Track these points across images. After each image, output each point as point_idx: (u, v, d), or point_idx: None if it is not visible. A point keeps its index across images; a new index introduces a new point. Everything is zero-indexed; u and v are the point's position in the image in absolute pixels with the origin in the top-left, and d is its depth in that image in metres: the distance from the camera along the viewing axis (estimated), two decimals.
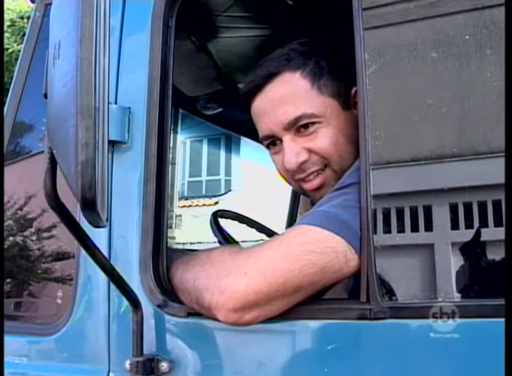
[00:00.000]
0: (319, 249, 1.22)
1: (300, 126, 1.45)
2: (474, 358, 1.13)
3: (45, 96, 1.09)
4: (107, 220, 1.05)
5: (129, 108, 1.45)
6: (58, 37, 1.05)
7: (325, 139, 1.45)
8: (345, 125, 1.45)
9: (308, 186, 1.50)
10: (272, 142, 1.53)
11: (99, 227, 1.02)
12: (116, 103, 1.45)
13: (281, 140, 1.49)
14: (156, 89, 1.43)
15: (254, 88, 1.51)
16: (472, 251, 1.15)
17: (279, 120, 1.46)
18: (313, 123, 1.45)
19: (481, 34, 1.17)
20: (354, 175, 1.30)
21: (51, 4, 1.15)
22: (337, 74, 1.47)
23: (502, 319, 1.04)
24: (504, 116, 1.12)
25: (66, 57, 1.00)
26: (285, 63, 1.48)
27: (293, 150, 1.46)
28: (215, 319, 1.25)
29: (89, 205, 0.95)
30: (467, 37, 1.18)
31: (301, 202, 2.84)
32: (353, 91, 1.44)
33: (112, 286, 1.36)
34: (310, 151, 1.46)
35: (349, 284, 1.44)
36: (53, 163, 1.08)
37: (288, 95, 1.47)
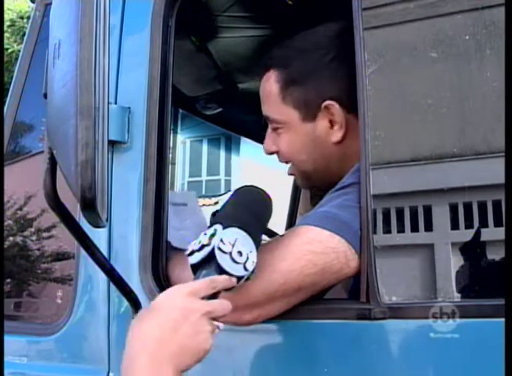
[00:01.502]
0: (319, 249, 1.22)
1: (271, 125, 1.50)
2: (474, 358, 1.13)
3: (45, 96, 1.09)
4: (107, 220, 1.05)
5: (129, 108, 1.45)
6: (58, 37, 1.05)
7: (285, 143, 1.48)
8: (303, 136, 1.45)
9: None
10: None
11: (98, 227, 1.02)
12: (116, 103, 1.45)
13: None
14: (156, 89, 1.43)
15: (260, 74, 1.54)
16: (472, 251, 1.15)
17: (262, 111, 1.53)
18: (277, 127, 1.48)
19: (481, 34, 1.17)
20: (354, 175, 1.30)
21: (51, 4, 1.15)
22: (311, 83, 1.43)
23: (503, 320, 1.04)
24: (504, 116, 1.12)
25: (66, 57, 0.99)
26: (272, 60, 1.50)
27: (269, 140, 1.52)
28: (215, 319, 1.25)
29: (89, 205, 0.95)
30: (467, 37, 1.18)
31: (301, 202, 2.84)
32: (323, 104, 1.40)
33: (112, 286, 1.36)
34: (279, 148, 1.50)
35: (349, 284, 1.44)
36: (53, 163, 1.08)
37: (264, 93, 1.51)
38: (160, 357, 0.92)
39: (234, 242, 1.09)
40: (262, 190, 1.27)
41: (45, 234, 1.69)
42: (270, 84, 1.47)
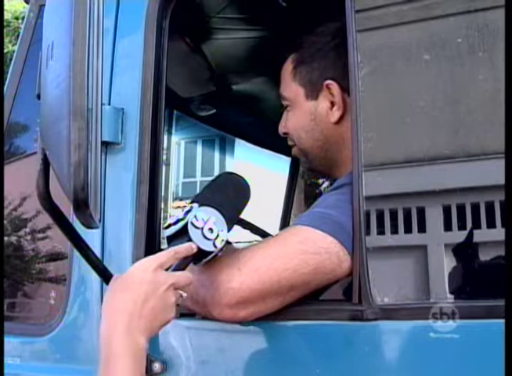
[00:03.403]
0: (312, 249, 1.23)
1: (284, 104, 1.58)
2: (467, 359, 1.13)
3: (38, 97, 1.09)
4: (100, 221, 1.05)
5: (122, 109, 1.45)
6: (51, 39, 1.05)
7: (290, 120, 1.56)
8: (306, 113, 1.52)
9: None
10: None
11: (91, 228, 1.02)
12: (109, 104, 1.45)
13: None
14: (149, 90, 1.43)
15: (276, 57, 1.62)
16: (465, 252, 1.15)
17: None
18: (287, 105, 1.56)
19: (474, 36, 1.18)
20: (349, 176, 1.30)
21: (45, 5, 1.15)
22: (316, 64, 1.51)
23: (496, 321, 1.05)
24: (498, 118, 1.12)
25: (60, 58, 0.99)
26: (294, 45, 1.58)
27: (283, 121, 1.59)
28: (209, 316, 1.26)
29: (82, 206, 0.95)
30: (460, 39, 1.19)
31: (295, 203, 2.84)
32: (325, 83, 1.47)
33: (105, 286, 1.36)
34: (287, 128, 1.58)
35: (345, 285, 1.45)
36: (46, 164, 1.08)
37: (282, 73, 1.59)
38: (135, 327, 1.05)
39: (207, 220, 1.18)
40: (241, 177, 1.36)
41: (39, 235, 1.69)
42: (287, 65, 1.57)
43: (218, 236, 1.18)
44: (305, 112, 1.52)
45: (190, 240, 1.16)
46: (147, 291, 1.07)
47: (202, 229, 1.17)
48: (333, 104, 1.47)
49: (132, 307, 1.06)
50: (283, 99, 1.58)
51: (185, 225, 1.17)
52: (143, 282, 1.08)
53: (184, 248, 1.15)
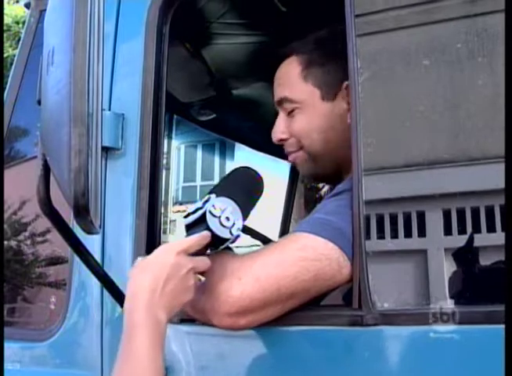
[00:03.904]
0: (312, 256, 1.22)
1: (287, 109, 1.54)
2: (467, 365, 1.13)
3: (39, 103, 1.09)
4: (100, 227, 1.05)
5: (123, 114, 1.45)
6: (52, 44, 1.05)
7: (300, 122, 1.52)
8: (321, 115, 1.50)
9: (289, 158, 1.60)
10: None
11: (91, 234, 1.02)
12: (110, 110, 1.46)
13: None
14: (149, 96, 1.43)
15: (275, 62, 1.59)
16: (465, 256, 1.15)
17: (275, 96, 1.58)
18: (294, 108, 1.53)
19: (474, 41, 1.18)
20: (349, 182, 1.30)
21: (45, 10, 1.15)
22: (331, 65, 1.50)
23: (496, 326, 1.04)
24: (497, 122, 1.12)
25: (60, 64, 1.00)
26: (297, 47, 1.56)
27: (280, 127, 1.55)
28: (209, 323, 1.25)
29: (82, 212, 0.95)
30: (460, 44, 1.19)
31: (295, 208, 2.84)
32: (344, 85, 1.46)
33: (105, 292, 1.36)
34: (291, 133, 1.54)
35: (345, 290, 1.45)
36: (46, 169, 1.08)
37: (283, 76, 1.57)
38: (156, 304, 1.12)
39: (224, 209, 1.24)
40: (256, 172, 1.43)
41: (39, 239, 1.69)
42: (291, 67, 1.54)
43: (234, 224, 1.24)
44: (320, 113, 1.50)
45: (207, 228, 1.22)
46: (170, 272, 1.14)
47: (219, 217, 1.22)
48: (350, 105, 1.43)
49: (155, 286, 1.13)
50: (286, 101, 1.54)
51: (204, 214, 1.22)
52: (166, 264, 1.15)
53: (203, 237, 1.21)
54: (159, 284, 1.13)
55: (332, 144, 1.49)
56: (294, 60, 1.54)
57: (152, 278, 1.14)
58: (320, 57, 1.51)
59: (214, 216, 1.22)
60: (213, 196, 1.26)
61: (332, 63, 1.49)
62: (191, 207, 1.26)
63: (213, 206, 1.23)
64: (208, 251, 1.25)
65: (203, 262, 1.21)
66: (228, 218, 1.23)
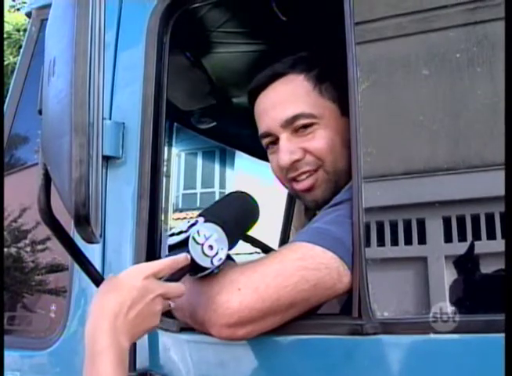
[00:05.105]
0: (312, 265, 1.22)
1: (298, 126, 1.46)
2: (467, 373, 1.13)
3: (40, 113, 1.10)
4: (101, 236, 1.05)
5: (123, 123, 1.45)
6: (53, 54, 1.06)
7: (321, 139, 1.45)
8: (342, 130, 1.44)
9: (299, 186, 1.50)
10: (272, 141, 1.53)
11: (92, 243, 1.02)
12: (110, 119, 1.46)
13: (278, 139, 1.49)
14: (150, 105, 1.43)
15: (258, 86, 1.54)
16: (465, 264, 1.15)
17: (278, 117, 1.48)
18: (311, 124, 1.45)
19: (473, 49, 1.18)
20: (348, 192, 1.30)
21: (47, 19, 1.15)
22: (340, 81, 1.42)
23: (497, 335, 1.04)
24: (497, 130, 1.12)
25: (61, 74, 1.00)
26: (291, 66, 1.51)
27: (289, 148, 1.46)
28: (208, 334, 1.24)
29: (83, 222, 0.95)
30: (460, 52, 1.19)
31: (295, 216, 2.84)
32: None
33: None
34: (305, 151, 1.46)
35: (343, 299, 1.44)
36: (47, 179, 1.08)
37: (289, 94, 1.49)
38: (118, 328, 1.09)
39: (209, 236, 1.20)
40: (252, 198, 1.36)
41: (39, 246, 1.69)
42: (297, 84, 1.48)
43: (217, 253, 1.20)
44: (340, 129, 1.44)
45: (188, 253, 1.18)
46: (135, 296, 1.11)
47: (202, 245, 1.19)
48: None
49: (118, 309, 1.10)
50: (303, 117, 1.45)
51: (187, 239, 1.19)
52: (133, 288, 1.12)
53: (180, 259, 1.18)
54: (122, 309, 1.10)
55: (341, 163, 1.45)
56: (298, 77, 1.49)
57: (116, 302, 1.11)
58: (331, 71, 1.48)
59: (197, 243, 1.19)
60: (201, 220, 1.23)
61: (339, 78, 1.41)
62: (176, 228, 1.23)
63: (197, 232, 1.19)
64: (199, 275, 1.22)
65: (175, 288, 1.18)
66: (211, 247, 1.19)
